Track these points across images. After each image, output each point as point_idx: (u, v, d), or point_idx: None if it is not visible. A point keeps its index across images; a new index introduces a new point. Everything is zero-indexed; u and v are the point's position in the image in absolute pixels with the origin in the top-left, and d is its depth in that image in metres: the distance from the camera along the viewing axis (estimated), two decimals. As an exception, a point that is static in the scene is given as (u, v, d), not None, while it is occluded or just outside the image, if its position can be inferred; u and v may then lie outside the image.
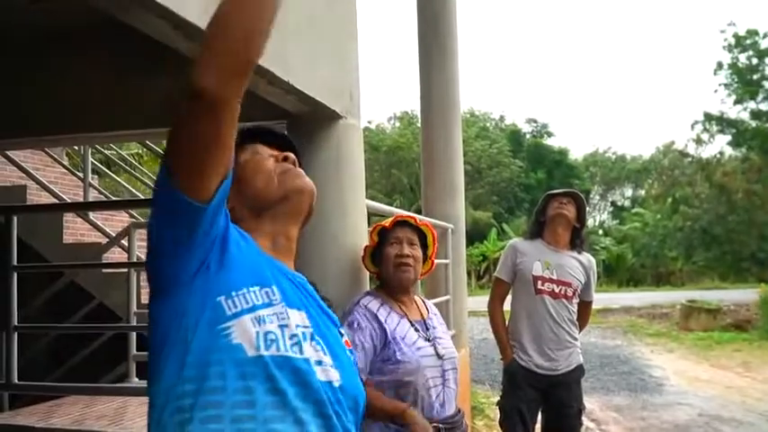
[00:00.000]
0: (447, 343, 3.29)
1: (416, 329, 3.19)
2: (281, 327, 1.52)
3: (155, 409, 1.51)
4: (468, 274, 21.94)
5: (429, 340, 3.18)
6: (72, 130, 4.39)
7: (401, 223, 3.30)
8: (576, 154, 54.00)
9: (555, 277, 4.76)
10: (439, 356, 3.15)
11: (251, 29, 1.48)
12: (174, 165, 1.47)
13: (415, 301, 3.37)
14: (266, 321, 1.51)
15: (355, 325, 3.07)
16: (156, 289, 1.57)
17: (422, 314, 3.32)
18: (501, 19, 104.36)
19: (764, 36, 38.20)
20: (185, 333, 1.48)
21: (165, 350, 1.51)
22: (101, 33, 3.47)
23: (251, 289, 1.53)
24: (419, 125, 8.56)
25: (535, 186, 44.55)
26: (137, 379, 5.52)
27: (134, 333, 5.58)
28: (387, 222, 3.32)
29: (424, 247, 3.36)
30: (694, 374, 12.51)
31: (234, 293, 1.51)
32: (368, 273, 3.52)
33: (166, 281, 1.53)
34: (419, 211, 7.08)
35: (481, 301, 5.54)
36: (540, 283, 4.76)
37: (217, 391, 1.44)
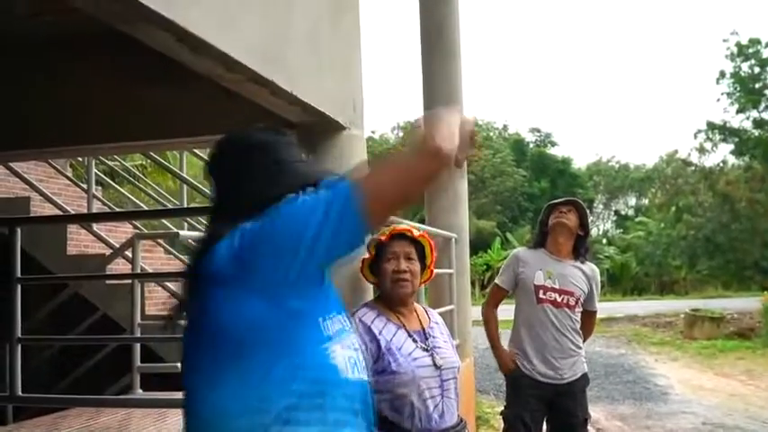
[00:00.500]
0: (447, 353, 3.26)
1: (414, 340, 3.17)
2: (355, 351, 1.67)
3: (227, 417, 1.54)
4: (472, 283, 21.92)
5: (427, 350, 3.16)
6: (75, 142, 4.40)
7: (398, 236, 3.28)
8: (580, 163, 54.07)
9: (557, 286, 4.76)
10: (436, 366, 3.13)
11: (411, 198, 1.69)
12: (374, 212, 1.57)
13: (416, 311, 3.35)
14: (349, 347, 1.65)
15: None
16: (258, 286, 1.56)
17: (422, 324, 3.30)
18: (504, 29, 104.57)
19: (767, 45, 38.22)
20: (293, 345, 1.56)
21: (256, 355, 1.54)
22: (103, 43, 3.48)
23: (337, 315, 1.68)
24: (422, 135, 8.54)
25: (539, 195, 44.55)
26: (141, 390, 5.51)
27: (138, 345, 5.57)
28: (383, 235, 3.30)
29: (423, 257, 3.34)
30: (698, 383, 12.49)
31: (328, 316, 1.64)
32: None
33: (287, 280, 1.56)
34: (423, 221, 7.08)
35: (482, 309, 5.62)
36: (541, 292, 4.76)
37: (319, 409, 1.55)
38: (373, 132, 47.86)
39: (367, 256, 3.35)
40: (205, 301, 1.61)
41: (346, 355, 1.62)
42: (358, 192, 1.52)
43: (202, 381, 1.60)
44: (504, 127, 54.78)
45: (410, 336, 3.17)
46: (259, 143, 1.83)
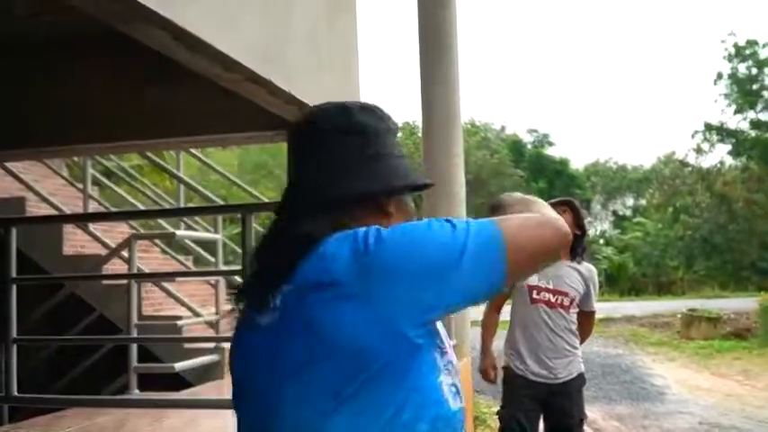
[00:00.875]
0: None
1: None
2: (456, 375, 1.48)
3: None
4: (469, 283, 21.88)
5: None
6: (72, 142, 4.40)
7: None
8: (578, 164, 53.97)
9: (551, 287, 4.76)
10: None
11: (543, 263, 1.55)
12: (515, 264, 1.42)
13: None
14: (451, 372, 1.45)
15: None
16: (388, 310, 1.33)
17: None
18: (502, 29, 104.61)
19: (764, 46, 38.35)
20: (417, 381, 1.35)
21: (382, 388, 1.32)
22: (101, 44, 3.47)
23: (443, 341, 1.48)
24: (420, 135, 8.56)
25: (536, 196, 44.53)
26: (137, 391, 5.51)
27: (135, 345, 5.56)
28: None
29: None
30: (695, 383, 12.49)
31: (440, 344, 1.44)
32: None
33: (419, 310, 1.35)
34: (420, 221, 7.06)
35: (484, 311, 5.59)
36: (535, 292, 4.76)
37: None
38: (370, 133, 47.71)
39: None
40: (312, 312, 1.34)
41: (450, 383, 1.43)
42: (502, 237, 1.38)
43: (304, 407, 1.35)
44: (502, 128, 54.73)
45: None
46: (361, 128, 1.55)
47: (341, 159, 1.51)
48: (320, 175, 1.51)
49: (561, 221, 1.49)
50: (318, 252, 1.37)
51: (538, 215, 1.52)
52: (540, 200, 1.68)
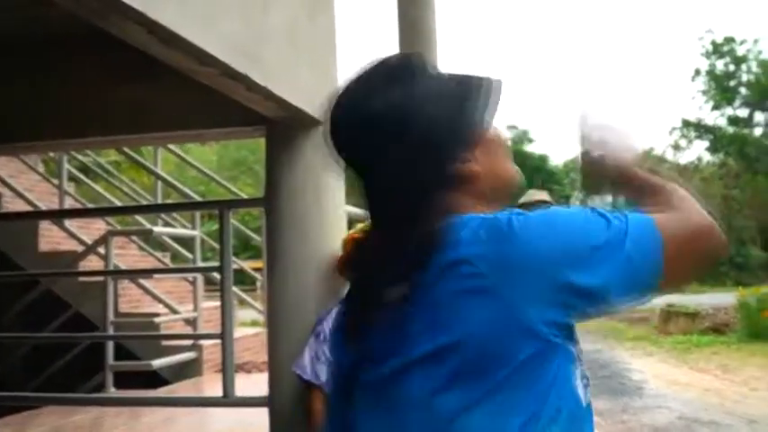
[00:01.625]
0: None
1: None
2: (586, 370, 1.35)
3: None
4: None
5: None
6: (48, 137, 4.34)
7: None
8: (557, 160, 54.18)
9: None
10: None
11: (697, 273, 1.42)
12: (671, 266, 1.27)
13: None
14: (581, 368, 1.33)
15: (321, 337, 3.05)
16: (525, 306, 1.20)
17: None
18: (481, 26, 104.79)
19: (741, 43, 38.67)
20: (556, 381, 1.25)
21: (516, 390, 1.22)
22: (78, 40, 3.43)
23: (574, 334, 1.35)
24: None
25: (516, 192, 44.68)
26: (114, 389, 5.46)
27: (111, 342, 5.51)
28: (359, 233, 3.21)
29: None
30: (673, 378, 12.55)
31: (573, 339, 1.32)
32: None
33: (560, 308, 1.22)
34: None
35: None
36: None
37: None
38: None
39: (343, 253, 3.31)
40: (446, 304, 1.22)
41: (581, 377, 1.31)
42: (660, 234, 1.25)
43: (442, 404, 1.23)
44: (481, 123, 54.88)
45: None
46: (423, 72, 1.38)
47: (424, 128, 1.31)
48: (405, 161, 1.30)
49: (718, 228, 1.36)
50: (453, 239, 1.24)
51: (698, 216, 1.37)
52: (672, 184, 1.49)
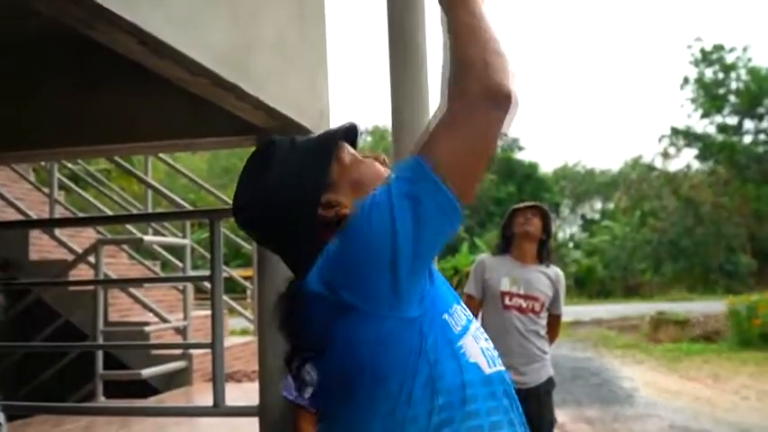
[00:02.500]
0: None
1: None
2: (486, 340, 1.45)
3: None
4: (440, 287, 21.93)
5: None
6: (38, 146, 4.33)
7: None
8: (546, 168, 54.32)
9: (522, 292, 4.77)
10: None
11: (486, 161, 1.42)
12: (464, 176, 1.34)
13: None
14: (478, 337, 1.42)
15: None
16: (369, 307, 1.32)
17: None
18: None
19: (730, 51, 38.89)
20: (426, 355, 1.32)
21: (395, 377, 1.31)
22: (68, 46, 3.44)
23: (456, 305, 1.45)
24: (390, 140, 8.56)
25: (506, 200, 44.70)
26: (103, 398, 5.45)
27: (101, 352, 5.50)
28: None
29: None
30: (664, 386, 12.57)
31: (450, 310, 1.41)
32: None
33: (398, 296, 1.31)
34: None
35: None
36: (507, 298, 4.77)
37: (474, 416, 1.35)
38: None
39: None
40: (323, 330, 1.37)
41: (479, 347, 1.40)
42: (432, 169, 1.30)
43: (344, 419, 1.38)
44: (472, 131, 54.91)
45: None
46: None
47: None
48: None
49: (486, 72, 1.31)
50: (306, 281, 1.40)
51: (454, 110, 1.34)
52: None
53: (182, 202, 8.22)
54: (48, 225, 7.23)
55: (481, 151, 1.37)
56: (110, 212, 8.64)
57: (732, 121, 39.70)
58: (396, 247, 1.28)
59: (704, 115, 39.69)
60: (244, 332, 11.28)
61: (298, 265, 1.46)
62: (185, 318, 7.09)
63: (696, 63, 39.73)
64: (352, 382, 1.33)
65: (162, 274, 8.69)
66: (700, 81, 39.71)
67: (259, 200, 1.49)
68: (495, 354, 1.46)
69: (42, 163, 8.25)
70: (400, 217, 1.28)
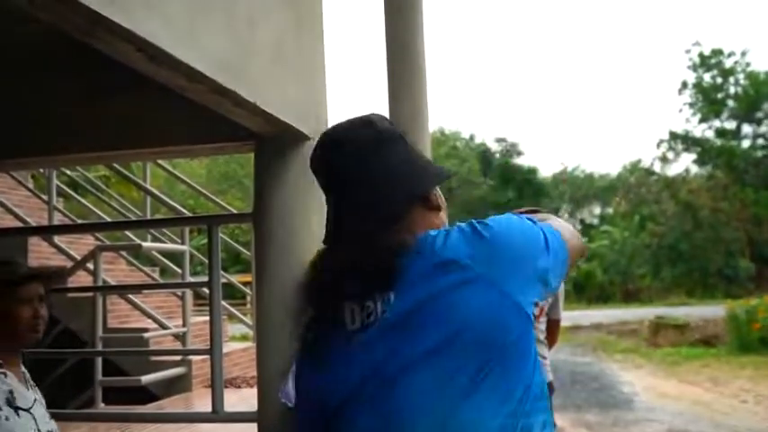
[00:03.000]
0: None
1: None
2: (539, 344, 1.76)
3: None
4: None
5: None
6: (37, 153, 4.33)
7: None
8: (546, 172, 54.33)
9: None
10: None
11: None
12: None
13: None
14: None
15: None
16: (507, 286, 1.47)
17: None
18: (470, 39, 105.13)
19: (729, 55, 38.97)
20: (533, 353, 1.50)
21: (517, 367, 1.46)
22: (66, 54, 3.44)
23: None
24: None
25: (505, 205, 44.76)
26: (103, 404, 5.44)
27: (100, 358, 5.50)
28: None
29: None
30: (663, 390, 12.58)
31: None
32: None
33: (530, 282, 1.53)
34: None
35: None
36: (508, 305, 4.77)
37: (548, 413, 1.52)
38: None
39: None
40: (439, 299, 1.42)
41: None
42: (561, 236, 1.62)
43: (436, 394, 1.41)
44: (471, 137, 54.92)
45: None
46: (399, 135, 1.76)
47: (395, 165, 1.60)
48: (382, 184, 1.57)
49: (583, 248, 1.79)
50: (425, 251, 1.48)
51: (570, 227, 1.75)
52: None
53: (180, 208, 8.22)
54: (46, 232, 7.22)
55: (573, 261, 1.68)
56: (108, 219, 8.64)
57: (730, 125, 39.79)
58: (545, 254, 1.57)
59: (703, 120, 39.78)
60: (243, 338, 11.28)
61: (383, 222, 1.54)
62: (184, 324, 7.09)
63: (694, 68, 39.83)
64: (477, 354, 1.43)
65: (161, 281, 8.69)
66: (698, 86, 39.80)
67: (393, 131, 1.75)
68: None
69: (41, 170, 8.26)
70: (547, 249, 1.59)
